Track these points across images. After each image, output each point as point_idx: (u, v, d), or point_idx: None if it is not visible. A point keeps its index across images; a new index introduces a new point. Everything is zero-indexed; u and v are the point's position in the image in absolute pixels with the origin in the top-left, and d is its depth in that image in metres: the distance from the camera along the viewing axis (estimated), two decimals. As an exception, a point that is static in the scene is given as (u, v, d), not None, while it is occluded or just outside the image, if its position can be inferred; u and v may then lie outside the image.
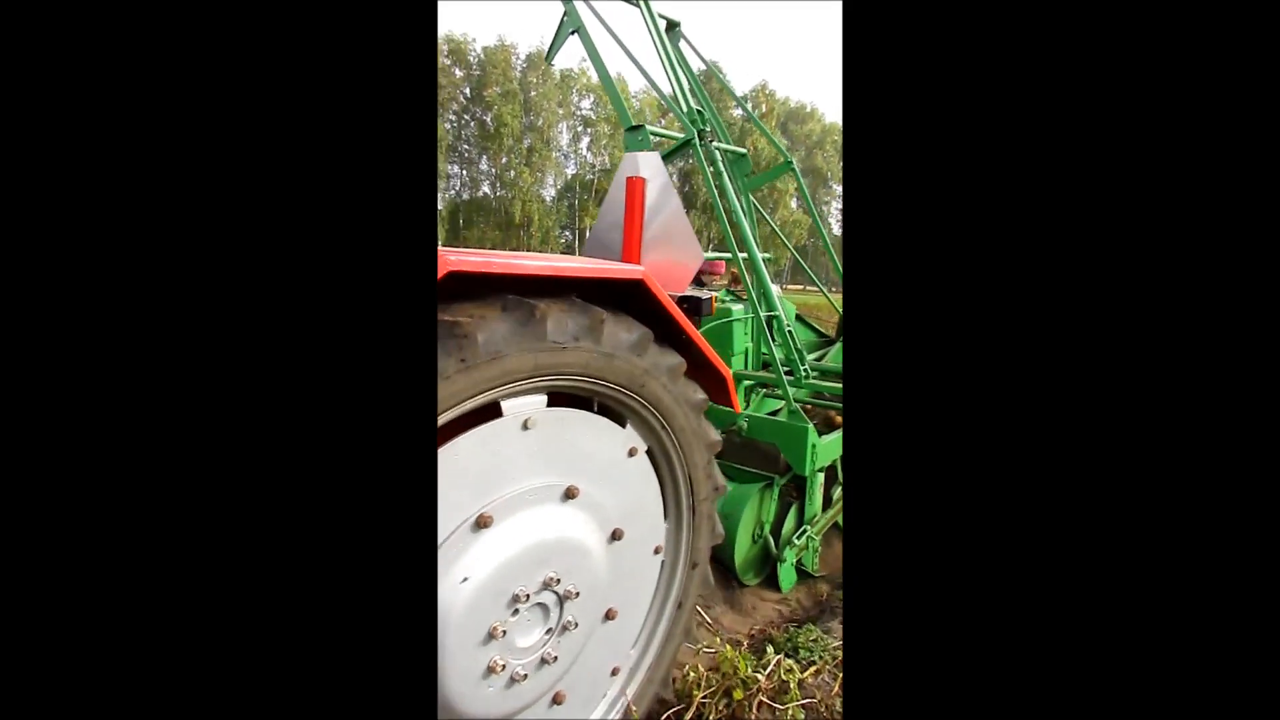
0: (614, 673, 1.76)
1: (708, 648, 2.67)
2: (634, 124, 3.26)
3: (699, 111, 3.46)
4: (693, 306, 1.80)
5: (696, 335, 1.67)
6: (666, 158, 3.26)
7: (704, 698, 2.12)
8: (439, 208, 36.34)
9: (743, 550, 2.95)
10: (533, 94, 34.51)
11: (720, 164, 3.40)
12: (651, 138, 3.28)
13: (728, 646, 2.54)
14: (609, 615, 1.62)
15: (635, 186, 1.78)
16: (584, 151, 36.45)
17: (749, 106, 3.95)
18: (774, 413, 3.29)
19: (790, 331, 3.26)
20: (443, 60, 35.27)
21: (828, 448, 2.94)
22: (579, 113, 35.75)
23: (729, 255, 3.16)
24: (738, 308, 3.30)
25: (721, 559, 2.98)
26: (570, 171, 36.55)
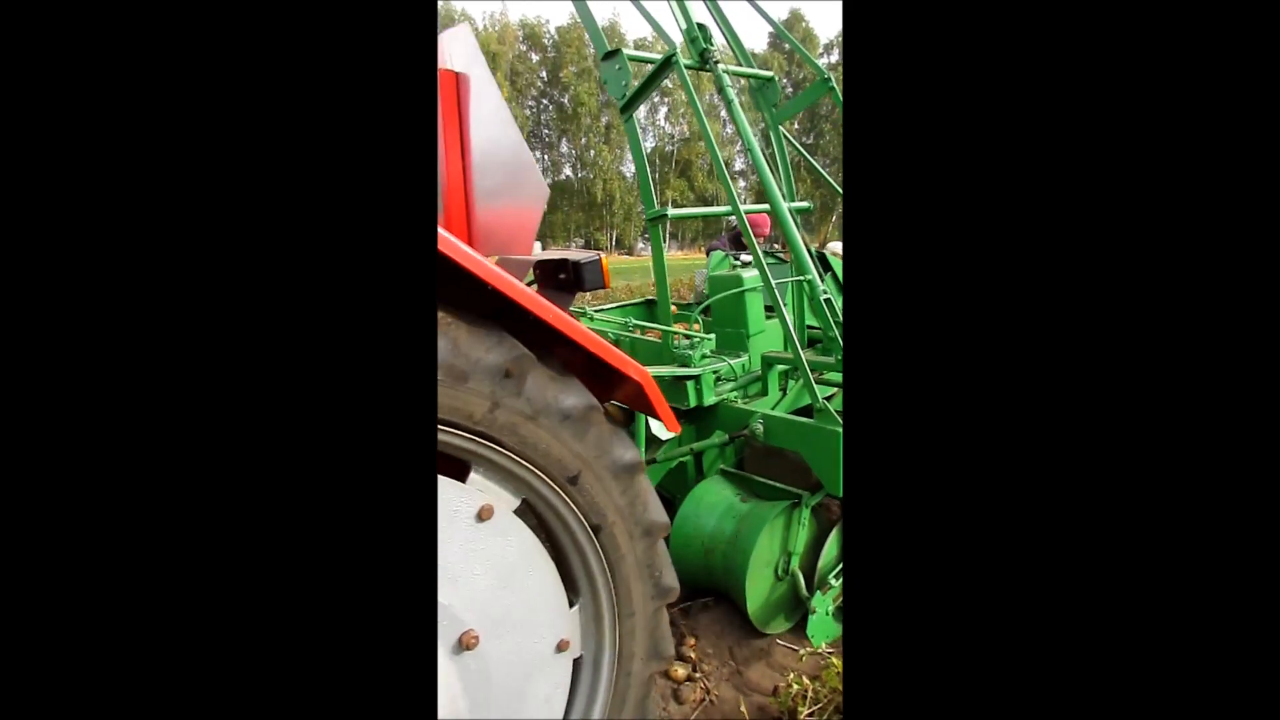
0: None
1: (813, 650, 2.16)
2: (610, 49, 2.58)
3: (700, 26, 2.70)
4: (573, 276, 1.15)
5: (564, 321, 1.03)
6: (647, 85, 2.56)
7: (809, 715, 1.82)
8: (523, 194, 36.98)
9: (759, 589, 2.26)
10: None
11: (730, 91, 2.63)
12: (631, 64, 2.59)
13: (834, 659, 2.03)
14: None
15: (445, 86, 1.11)
16: (661, 122, 35.42)
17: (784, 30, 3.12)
18: (806, 409, 2.54)
19: (828, 301, 2.46)
20: (519, 47, 35.52)
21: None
22: (655, 82, 34.68)
23: (728, 209, 2.41)
24: (750, 274, 2.54)
25: (731, 599, 2.32)
26: (649, 145, 35.78)
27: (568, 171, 37.30)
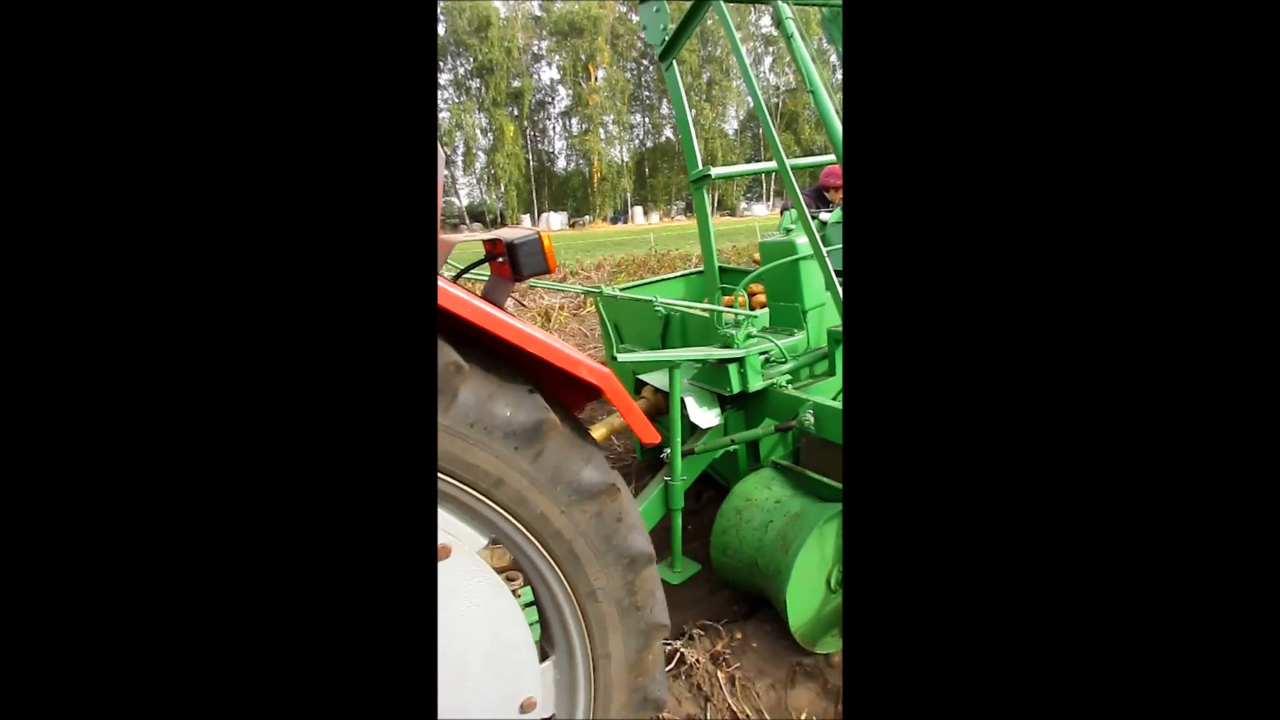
0: None
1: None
2: (645, -12, 2.30)
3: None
4: (510, 260, 0.95)
5: (494, 319, 0.85)
6: (684, 27, 2.24)
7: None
8: (624, 159, 36.69)
9: (805, 602, 1.99)
10: (708, 21, 32.45)
11: (789, 24, 2.25)
12: (671, 5, 2.29)
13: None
14: None
15: None
16: (765, 74, 33.36)
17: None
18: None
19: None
20: (619, 8, 34.84)
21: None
22: (758, 32, 32.58)
23: (773, 165, 2.06)
24: (804, 241, 2.19)
25: (775, 610, 2.08)
26: (750, 99, 33.96)
27: (669, 134, 36.45)
